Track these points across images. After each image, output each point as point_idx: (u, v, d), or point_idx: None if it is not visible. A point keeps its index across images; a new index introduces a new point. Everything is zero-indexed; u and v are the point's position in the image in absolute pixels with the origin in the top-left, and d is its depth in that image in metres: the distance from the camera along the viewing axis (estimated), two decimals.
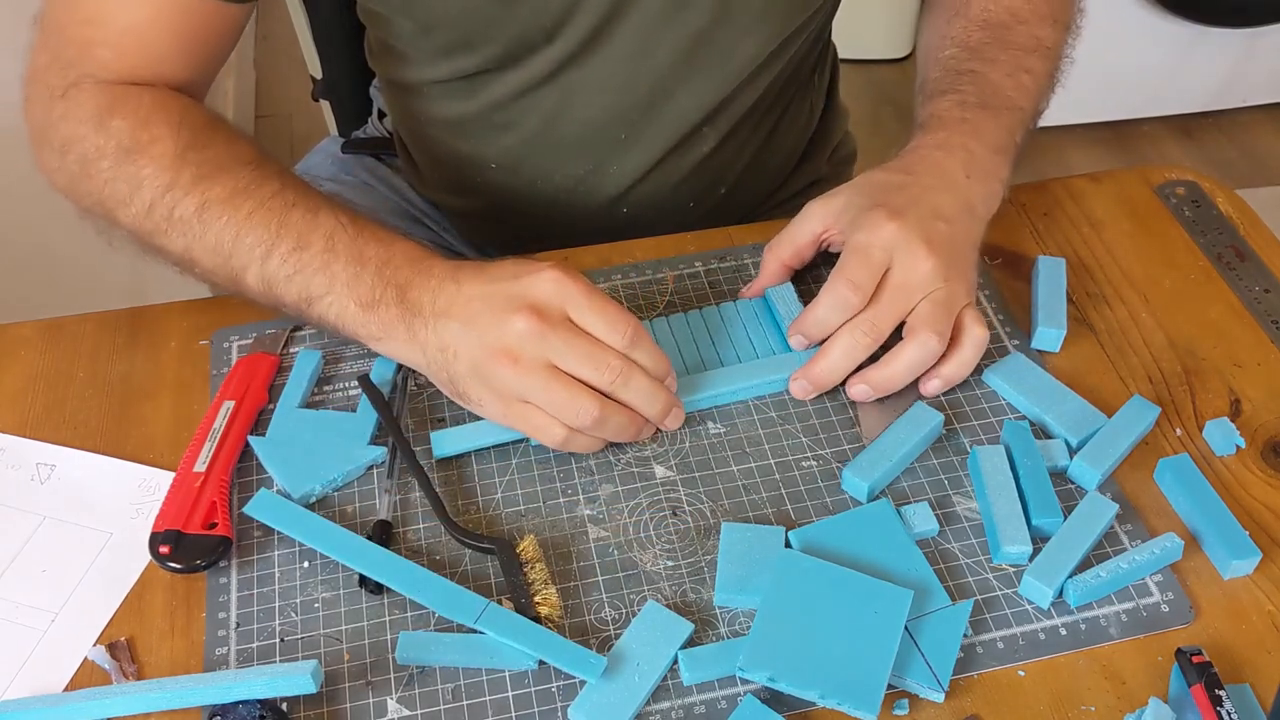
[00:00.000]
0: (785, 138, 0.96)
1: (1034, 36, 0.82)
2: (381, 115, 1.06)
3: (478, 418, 0.69)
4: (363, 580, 0.64)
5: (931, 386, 0.71)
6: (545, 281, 0.64)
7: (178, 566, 0.64)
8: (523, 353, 0.64)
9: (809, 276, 0.79)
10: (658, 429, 0.70)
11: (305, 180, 0.73)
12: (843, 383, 0.72)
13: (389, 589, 0.63)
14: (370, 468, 0.70)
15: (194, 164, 0.70)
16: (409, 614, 0.63)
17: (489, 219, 0.95)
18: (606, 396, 0.65)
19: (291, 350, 0.76)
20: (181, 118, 0.73)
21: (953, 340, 0.71)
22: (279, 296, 0.69)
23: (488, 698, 0.60)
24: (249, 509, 0.66)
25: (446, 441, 0.70)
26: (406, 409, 0.73)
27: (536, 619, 0.61)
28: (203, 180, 0.70)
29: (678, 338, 0.75)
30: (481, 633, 0.61)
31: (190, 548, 0.64)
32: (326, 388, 0.74)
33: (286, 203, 0.69)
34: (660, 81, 0.83)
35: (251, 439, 0.70)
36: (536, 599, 0.62)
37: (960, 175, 0.74)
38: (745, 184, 0.95)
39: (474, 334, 0.65)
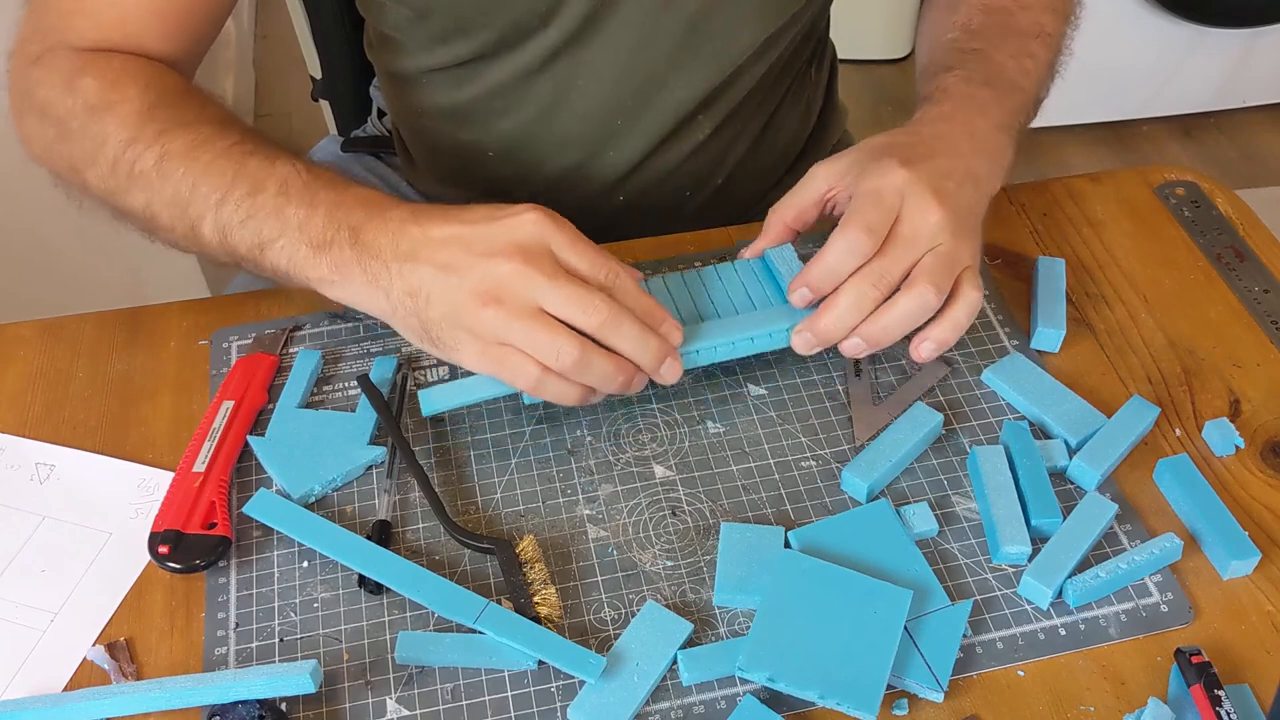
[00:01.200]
0: (781, 131, 0.96)
1: (1036, 22, 0.82)
2: (381, 114, 1.06)
3: (462, 373, 0.68)
4: (362, 580, 0.64)
5: (924, 349, 0.68)
6: (528, 223, 0.63)
7: (177, 566, 0.64)
8: (507, 295, 0.61)
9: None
10: (652, 381, 0.67)
11: (272, 138, 0.72)
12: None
13: (388, 589, 0.63)
14: (370, 468, 0.70)
15: (158, 120, 0.70)
16: (408, 614, 0.63)
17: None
18: (597, 343, 0.63)
19: (291, 350, 0.76)
20: (150, 80, 0.73)
21: (947, 301, 0.67)
22: (234, 246, 0.68)
23: (487, 698, 0.60)
24: (248, 509, 0.66)
25: (435, 399, 0.68)
26: (406, 408, 0.73)
27: (536, 619, 0.61)
28: (164, 135, 0.69)
29: (674, 295, 0.72)
30: (481, 633, 0.61)
31: (189, 548, 0.64)
32: (326, 387, 0.74)
33: (245, 151, 0.68)
34: (656, 68, 0.83)
35: (251, 439, 0.70)
36: (536, 599, 0.62)
37: (965, 147, 0.72)
38: (742, 176, 0.95)
39: (452, 278, 0.62)
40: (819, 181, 0.73)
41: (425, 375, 0.75)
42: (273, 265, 0.67)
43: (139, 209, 0.71)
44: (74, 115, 0.72)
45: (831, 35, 1.02)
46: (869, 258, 0.66)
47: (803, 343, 0.69)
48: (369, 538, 0.65)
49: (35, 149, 0.76)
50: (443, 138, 0.92)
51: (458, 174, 0.94)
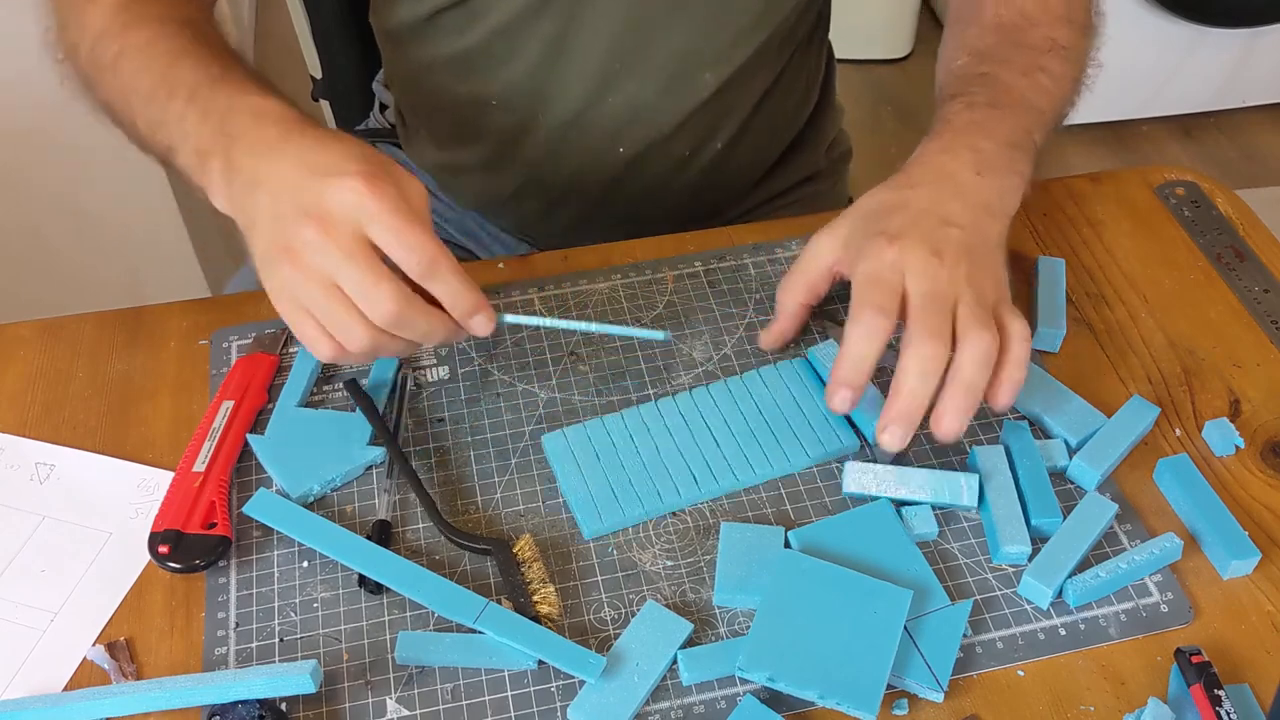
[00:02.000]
0: (780, 106, 0.96)
1: (1048, 38, 0.80)
2: (383, 108, 1.06)
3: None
4: (362, 580, 0.64)
5: (1002, 396, 0.65)
6: (345, 191, 0.59)
7: (177, 566, 0.64)
8: (305, 260, 0.60)
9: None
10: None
11: (223, 38, 0.72)
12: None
13: (388, 589, 0.63)
14: (369, 468, 0.70)
15: (130, 14, 0.71)
16: (408, 614, 0.63)
17: (490, 169, 0.95)
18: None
19: (291, 350, 0.76)
20: None
21: (1001, 347, 0.64)
22: (154, 147, 0.68)
23: (487, 698, 0.60)
24: (248, 509, 0.66)
25: None
26: (406, 409, 0.73)
27: (536, 618, 0.61)
28: (128, 28, 0.70)
29: (721, 407, 0.71)
30: (481, 633, 0.61)
31: (190, 547, 0.64)
32: (326, 387, 0.74)
33: (181, 52, 0.68)
34: (656, 10, 0.83)
35: (250, 438, 0.70)
36: (535, 598, 0.62)
37: (969, 175, 0.70)
38: (740, 146, 0.94)
39: (271, 224, 0.61)
40: (825, 255, 0.72)
41: (425, 375, 0.75)
42: (180, 169, 0.68)
43: (105, 101, 0.72)
44: (74, 7, 0.73)
45: (831, 35, 1.02)
46: (890, 334, 0.64)
47: (891, 438, 0.63)
48: (369, 538, 0.65)
49: (50, 35, 0.77)
50: (445, 93, 0.91)
51: (461, 131, 0.94)
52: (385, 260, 0.60)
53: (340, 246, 0.59)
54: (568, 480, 0.68)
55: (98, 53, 0.71)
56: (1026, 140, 0.74)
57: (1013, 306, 0.66)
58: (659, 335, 0.72)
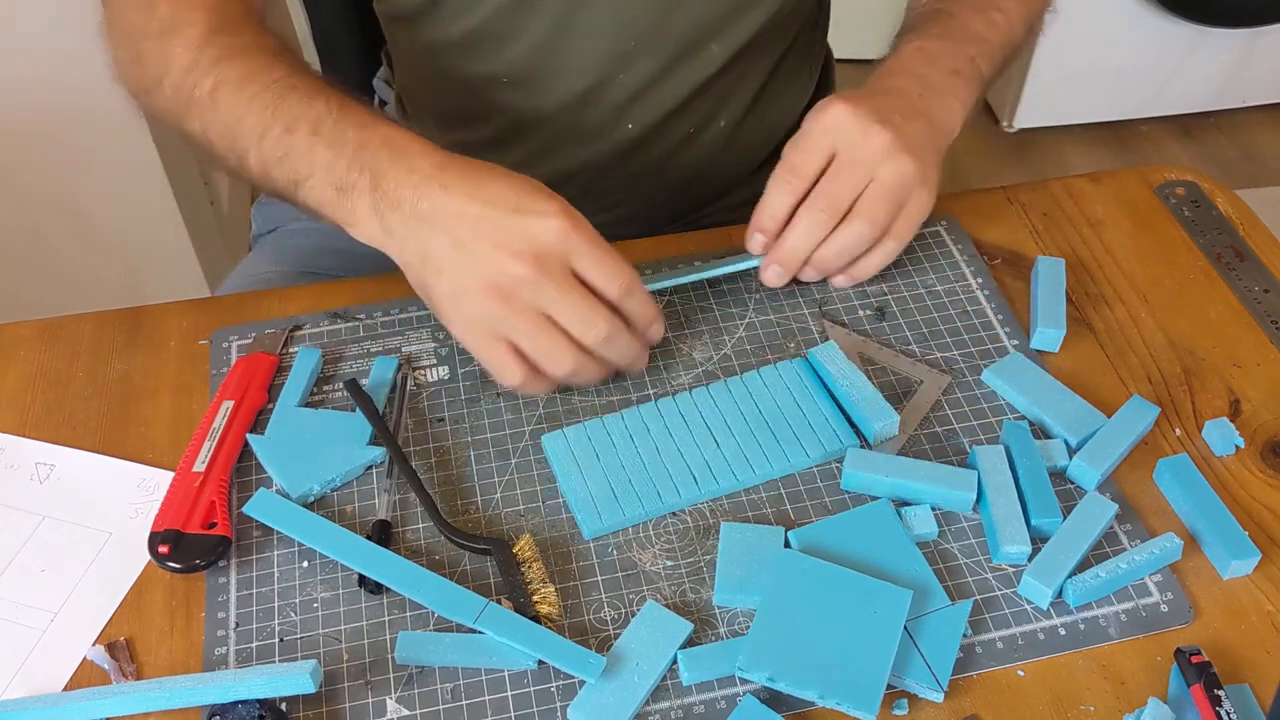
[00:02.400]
0: (786, 86, 0.97)
1: None
2: (382, 104, 1.06)
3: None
4: (362, 580, 0.64)
5: (837, 280, 0.77)
6: (551, 229, 0.63)
7: (177, 566, 0.64)
8: (516, 295, 0.63)
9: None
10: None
11: (315, 73, 0.73)
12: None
13: (388, 589, 0.63)
14: (369, 468, 0.70)
15: (217, 47, 0.72)
16: (408, 614, 0.63)
17: (498, 146, 0.95)
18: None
19: (291, 350, 0.76)
20: (217, 5, 0.74)
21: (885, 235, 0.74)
22: (274, 181, 0.70)
23: (487, 697, 0.60)
24: (248, 508, 0.66)
25: None
26: (406, 408, 0.73)
27: (536, 618, 0.61)
28: (220, 62, 0.71)
29: (722, 409, 0.71)
30: (480, 632, 0.61)
31: (190, 547, 0.64)
32: (326, 387, 0.74)
33: (287, 86, 0.69)
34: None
35: (250, 437, 0.70)
36: (535, 598, 0.62)
37: (913, 92, 0.76)
38: (745, 126, 0.95)
39: (466, 259, 0.63)
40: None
41: (425, 375, 0.75)
42: (305, 203, 0.69)
43: (197, 134, 0.73)
44: (147, 37, 0.74)
45: (831, 35, 1.02)
46: (803, 192, 0.73)
47: (773, 275, 0.76)
48: (369, 538, 0.65)
49: (117, 70, 0.77)
50: (453, 72, 0.91)
51: (469, 110, 0.93)
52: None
53: (555, 281, 0.63)
54: (567, 480, 0.68)
55: (187, 86, 0.71)
56: (970, 67, 0.79)
57: (910, 223, 0.75)
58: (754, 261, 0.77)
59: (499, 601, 0.62)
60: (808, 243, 0.74)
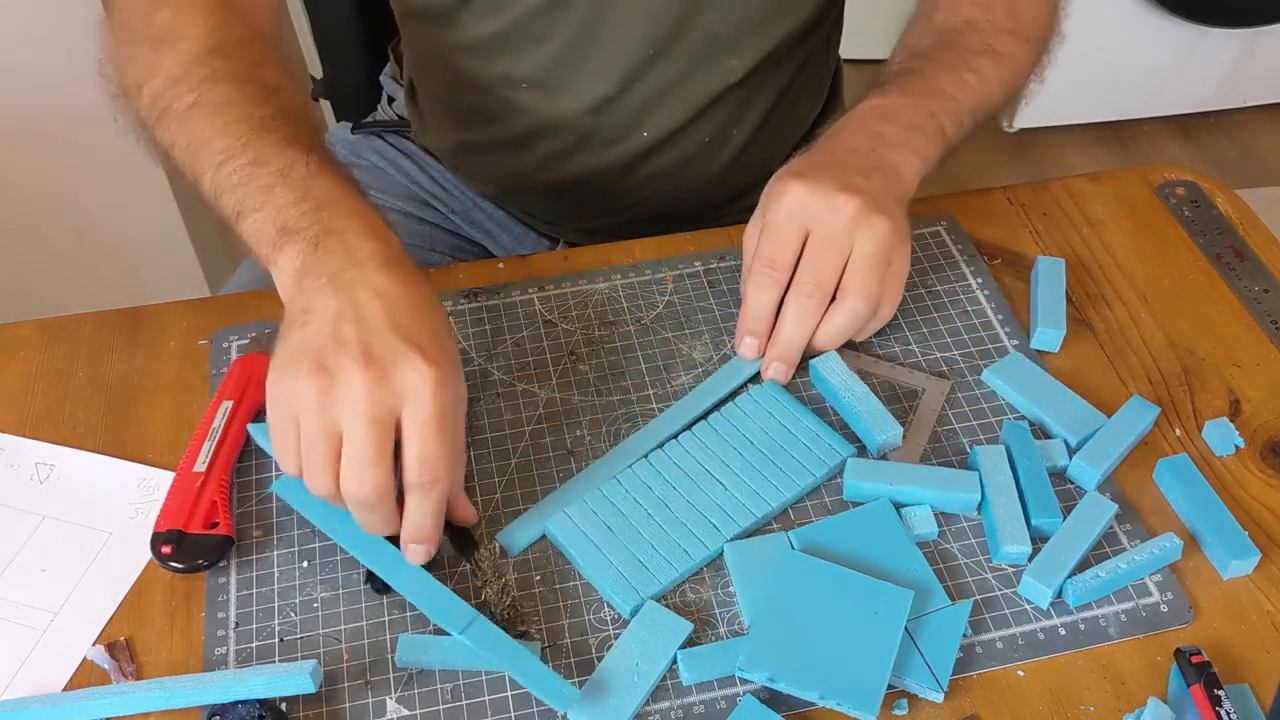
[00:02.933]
0: (800, 96, 0.97)
1: (985, 43, 0.82)
2: (390, 100, 1.06)
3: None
4: (370, 577, 0.64)
5: (806, 353, 0.73)
6: (414, 372, 0.58)
7: (179, 566, 0.64)
8: (331, 395, 0.58)
9: None
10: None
11: (309, 121, 0.71)
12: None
13: (369, 599, 0.63)
14: None
15: (208, 67, 0.70)
16: (408, 614, 0.63)
17: (513, 148, 0.95)
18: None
19: None
20: (219, 23, 0.73)
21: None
22: (221, 206, 0.67)
23: (487, 698, 0.60)
24: (275, 486, 0.66)
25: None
26: None
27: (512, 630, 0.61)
28: (206, 83, 0.70)
29: (714, 449, 0.69)
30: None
31: (192, 548, 0.64)
32: None
33: (267, 126, 0.67)
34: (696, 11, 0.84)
35: (252, 428, 0.70)
36: (498, 609, 0.62)
37: (865, 148, 0.74)
38: (759, 137, 0.95)
39: (326, 334, 0.59)
40: (750, 244, 0.74)
41: None
42: (241, 233, 0.66)
43: (164, 146, 0.72)
44: (142, 41, 0.73)
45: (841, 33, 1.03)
46: (785, 283, 0.71)
47: (776, 371, 0.73)
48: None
49: (107, 65, 0.76)
50: (473, 74, 0.91)
51: (487, 111, 0.93)
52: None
53: (369, 411, 0.57)
54: (589, 563, 0.64)
55: (168, 98, 0.70)
56: (930, 124, 0.77)
57: (898, 283, 0.72)
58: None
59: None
60: (804, 331, 0.71)
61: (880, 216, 0.70)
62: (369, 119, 1.07)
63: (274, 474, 0.69)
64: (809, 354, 0.73)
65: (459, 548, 0.65)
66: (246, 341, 0.77)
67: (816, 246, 0.70)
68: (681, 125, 0.90)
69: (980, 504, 0.67)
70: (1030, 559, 0.63)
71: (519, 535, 0.66)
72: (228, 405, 0.71)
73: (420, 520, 0.60)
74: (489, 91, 0.91)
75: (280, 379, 0.60)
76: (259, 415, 0.72)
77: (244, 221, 0.65)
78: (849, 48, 1.06)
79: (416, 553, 0.62)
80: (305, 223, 0.63)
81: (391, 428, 0.58)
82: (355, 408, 0.58)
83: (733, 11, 0.85)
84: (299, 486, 0.62)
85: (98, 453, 0.72)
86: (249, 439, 0.70)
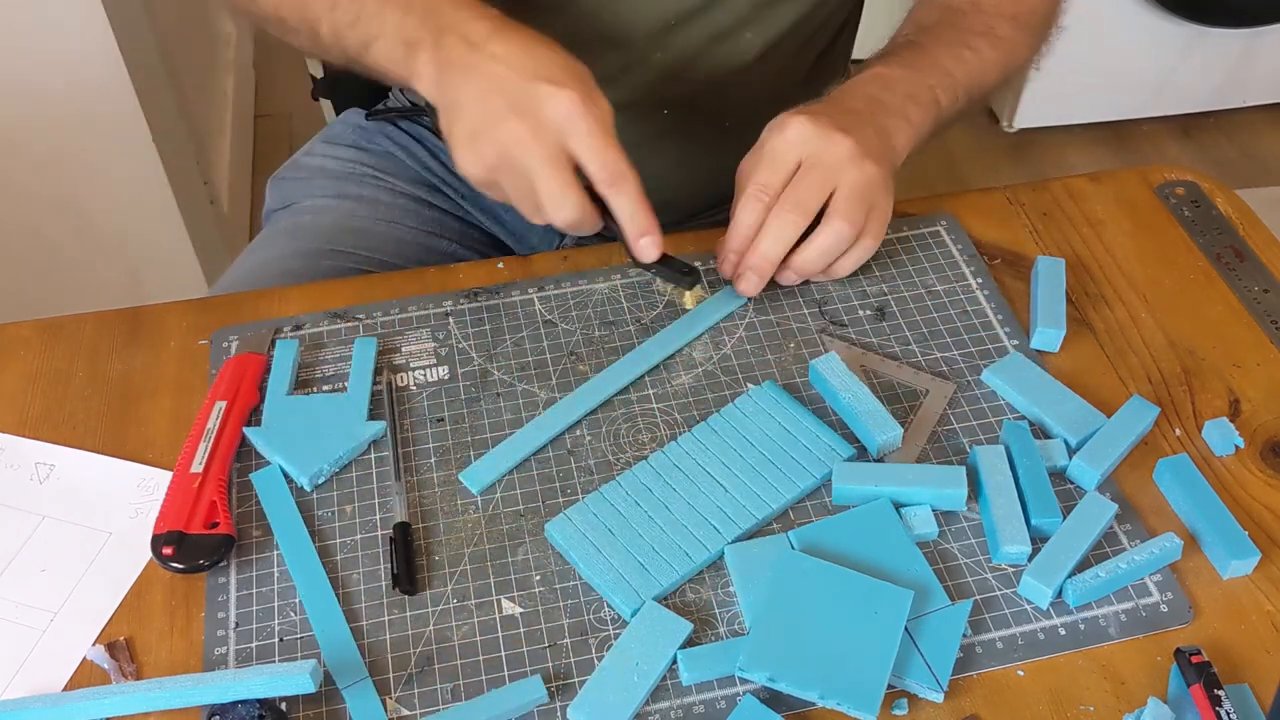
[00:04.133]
0: (817, 87, 0.96)
1: (987, 25, 0.85)
2: (403, 88, 1.06)
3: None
4: (395, 579, 0.64)
5: (784, 276, 0.76)
6: (556, 104, 0.66)
7: (181, 567, 0.64)
8: (508, 153, 0.67)
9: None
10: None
11: None
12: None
13: (421, 588, 0.64)
14: (370, 466, 0.70)
15: None
16: (408, 614, 0.63)
17: None
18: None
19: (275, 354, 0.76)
20: None
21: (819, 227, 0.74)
22: (345, 46, 0.74)
23: None
24: (256, 476, 0.67)
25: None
26: (400, 407, 0.73)
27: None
28: None
29: (715, 451, 0.69)
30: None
31: (194, 548, 0.64)
32: (316, 374, 0.75)
33: None
34: None
35: (248, 430, 0.70)
36: None
37: (864, 111, 0.77)
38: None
39: (480, 111, 0.67)
40: (745, 177, 0.76)
41: (425, 375, 0.75)
42: (374, 63, 0.73)
43: (269, 12, 0.78)
44: None
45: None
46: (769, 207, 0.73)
47: (746, 283, 0.75)
48: (391, 540, 0.65)
49: None
50: None
51: None
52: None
53: (543, 150, 0.66)
54: (590, 565, 0.64)
55: None
56: (927, 95, 0.80)
57: (881, 222, 0.75)
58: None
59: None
60: (779, 247, 0.74)
61: (870, 160, 0.73)
62: (380, 105, 1.07)
63: (254, 487, 0.69)
64: (792, 274, 0.76)
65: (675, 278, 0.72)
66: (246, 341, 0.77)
67: (805, 173, 0.73)
68: (698, 97, 0.90)
69: (977, 500, 0.67)
70: (1030, 559, 0.63)
71: (481, 474, 0.69)
72: (221, 405, 0.71)
73: (629, 214, 0.70)
74: None
75: (472, 167, 0.69)
76: (253, 415, 0.72)
77: (372, 51, 0.73)
78: (856, 48, 1.05)
79: (647, 245, 0.71)
80: (422, 31, 0.70)
81: (565, 158, 0.67)
82: (530, 156, 0.67)
83: None
84: (277, 487, 0.66)
85: (97, 453, 0.72)
86: (244, 439, 0.71)
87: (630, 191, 0.69)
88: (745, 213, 0.74)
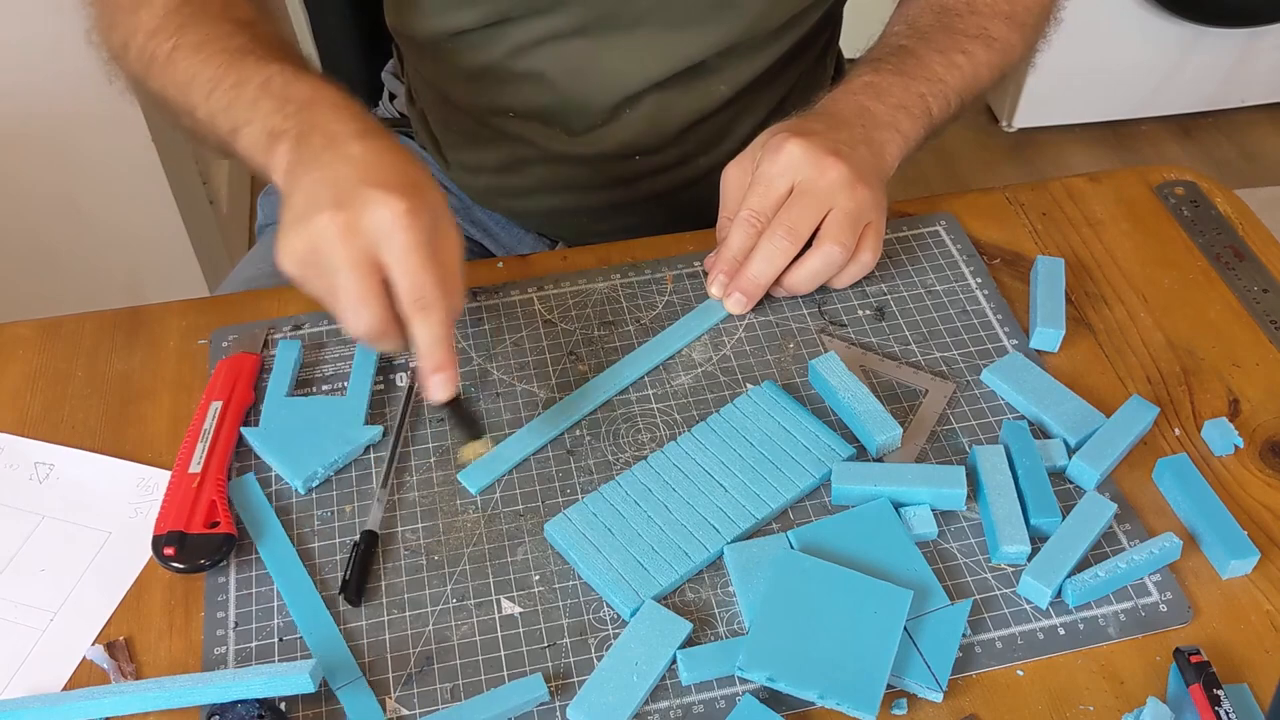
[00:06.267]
0: (797, 102, 0.96)
1: (982, 27, 0.85)
2: (392, 97, 1.06)
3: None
4: (344, 587, 0.64)
5: (775, 292, 0.77)
6: (376, 213, 0.61)
7: (182, 567, 0.64)
8: (320, 253, 0.62)
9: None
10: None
11: (284, 43, 0.75)
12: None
13: (368, 599, 0.63)
14: (369, 463, 0.70)
15: (183, 15, 0.74)
16: (407, 613, 0.63)
17: (505, 171, 0.95)
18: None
19: (271, 353, 0.76)
20: None
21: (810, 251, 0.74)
22: (217, 128, 0.71)
23: None
24: (233, 484, 0.68)
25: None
26: (408, 420, 0.73)
27: None
28: (183, 28, 0.74)
29: (714, 450, 0.69)
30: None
31: (195, 547, 0.64)
32: (316, 375, 0.75)
33: (245, 51, 0.72)
34: (686, 32, 0.84)
35: (245, 430, 0.70)
36: None
37: (855, 122, 0.77)
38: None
39: (307, 205, 0.63)
40: (732, 186, 0.78)
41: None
42: (241, 149, 0.70)
43: (156, 93, 0.76)
44: (120, 7, 0.77)
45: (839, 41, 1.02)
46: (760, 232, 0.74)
47: (735, 303, 0.76)
48: (355, 545, 0.65)
49: (95, 34, 0.80)
50: (463, 101, 0.92)
51: (477, 136, 0.94)
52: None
53: (350, 252, 0.61)
54: (589, 564, 0.64)
55: (150, 48, 0.74)
56: (918, 104, 0.80)
57: (878, 240, 0.76)
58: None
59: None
60: (770, 270, 0.74)
61: (863, 185, 0.73)
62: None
63: (272, 476, 0.69)
64: (783, 290, 0.77)
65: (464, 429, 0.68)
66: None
67: (798, 198, 0.73)
68: (670, 145, 0.91)
69: (976, 500, 0.67)
70: (1029, 559, 0.63)
71: (480, 474, 0.69)
72: (217, 405, 0.71)
73: (427, 345, 0.63)
74: (479, 118, 0.92)
75: (283, 257, 0.64)
76: (250, 415, 0.72)
77: (239, 138, 0.70)
78: (852, 49, 1.05)
79: (439, 383, 0.64)
80: (290, 124, 0.67)
81: (373, 266, 0.62)
82: (334, 258, 0.62)
83: (714, 43, 0.85)
84: (254, 495, 0.67)
85: (97, 452, 0.72)
86: (242, 439, 0.71)
87: (434, 320, 0.62)
88: (736, 236, 0.75)
